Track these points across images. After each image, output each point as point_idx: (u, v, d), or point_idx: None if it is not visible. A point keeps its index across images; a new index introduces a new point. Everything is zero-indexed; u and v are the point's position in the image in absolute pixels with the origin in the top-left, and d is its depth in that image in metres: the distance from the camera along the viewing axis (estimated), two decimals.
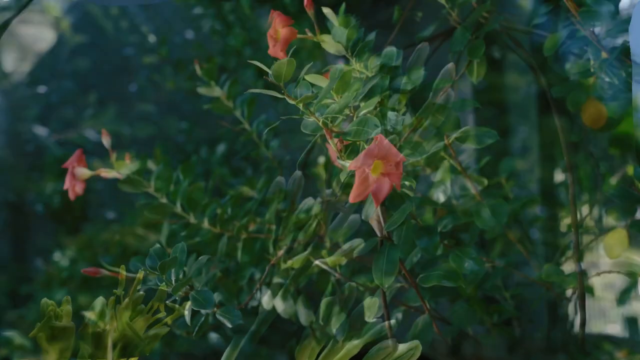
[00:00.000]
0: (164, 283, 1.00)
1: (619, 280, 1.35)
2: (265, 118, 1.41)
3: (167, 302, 1.41)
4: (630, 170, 1.72)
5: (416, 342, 0.96)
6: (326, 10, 1.05)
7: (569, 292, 1.27)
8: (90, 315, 1.36)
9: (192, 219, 1.24)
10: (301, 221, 1.21)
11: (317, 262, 1.14)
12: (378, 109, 0.96)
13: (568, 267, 1.47)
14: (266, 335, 1.97)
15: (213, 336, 1.60)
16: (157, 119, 3.22)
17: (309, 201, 1.30)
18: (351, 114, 0.96)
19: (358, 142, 0.92)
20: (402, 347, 0.96)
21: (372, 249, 0.97)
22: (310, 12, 1.04)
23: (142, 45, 2.80)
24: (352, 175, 0.91)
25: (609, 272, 1.18)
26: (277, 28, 1.04)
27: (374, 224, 0.96)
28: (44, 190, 4.31)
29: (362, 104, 0.96)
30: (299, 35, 1.05)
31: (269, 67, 0.90)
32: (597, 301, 1.44)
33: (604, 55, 1.02)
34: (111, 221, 3.34)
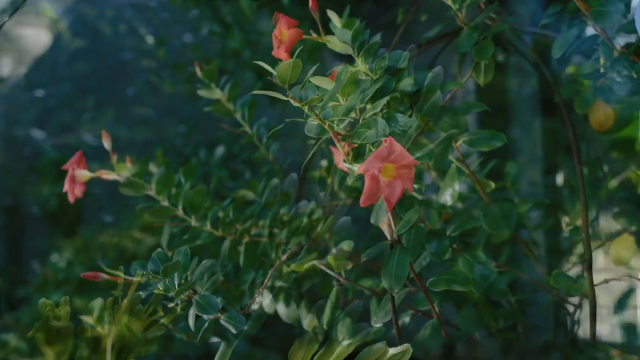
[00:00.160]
0: (163, 286, 0.98)
1: (615, 284, 1.33)
2: (265, 121, 1.40)
3: (167, 305, 1.40)
4: (632, 174, 1.71)
5: (407, 345, 0.96)
6: (330, 13, 1.03)
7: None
8: (87, 319, 1.34)
9: (193, 222, 1.22)
10: (304, 225, 1.20)
11: (321, 266, 1.12)
12: (385, 111, 0.94)
13: (571, 272, 1.46)
14: (261, 337, 1.96)
15: (215, 340, 1.58)
16: (155, 122, 3.21)
17: (310, 205, 1.29)
18: (357, 117, 0.94)
19: (365, 145, 0.91)
20: (392, 350, 0.95)
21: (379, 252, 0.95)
22: (314, 13, 1.03)
23: (139, 48, 2.78)
24: (358, 178, 0.90)
25: (619, 278, 1.16)
26: (282, 29, 1.02)
27: (384, 228, 0.95)
28: (40, 193, 4.30)
29: (368, 106, 0.94)
30: (305, 37, 1.03)
31: (267, 70, 0.88)
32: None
33: (617, 53, 1.00)
34: (107, 224, 3.32)
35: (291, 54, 1.02)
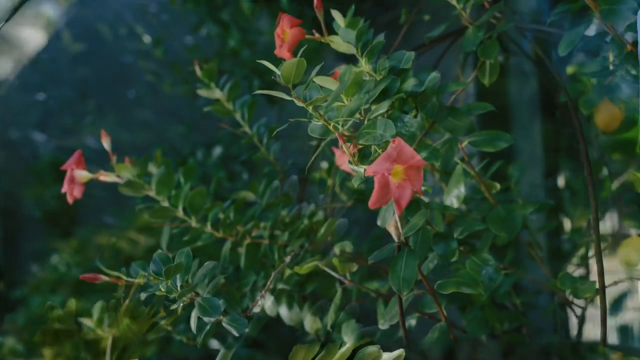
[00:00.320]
0: (165, 288, 0.96)
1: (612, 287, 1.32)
2: (266, 121, 1.38)
3: (168, 306, 1.38)
4: (632, 176, 1.70)
5: (401, 350, 0.96)
6: (334, 12, 1.02)
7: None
8: (87, 322, 1.33)
9: (194, 223, 1.21)
10: (306, 227, 1.18)
11: (325, 268, 1.11)
12: (390, 112, 0.93)
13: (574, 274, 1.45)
14: (261, 339, 1.95)
15: (213, 342, 1.57)
16: (156, 124, 3.19)
17: (310, 207, 1.27)
18: (361, 117, 0.93)
19: (370, 146, 0.89)
20: (386, 355, 0.95)
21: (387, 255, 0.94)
22: (319, 13, 1.02)
23: (138, 49, 2.77)
24: (363, 180, 0.89)
25: (629, 280, 1.15)
26: (285, 28, 1.01)
27: (391, 230, 0.93)
28: (36, 195, 4.28)
29: (372, 107, 0.93)
30: (307, 36, 1.02)
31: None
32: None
33: (629, 48, 0.99)
34: (103, 225, 3.31)
35: (294, 54, 1.01)
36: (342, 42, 0.99)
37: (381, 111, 0.90)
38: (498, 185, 1.11)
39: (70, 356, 2.51)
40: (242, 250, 1.23)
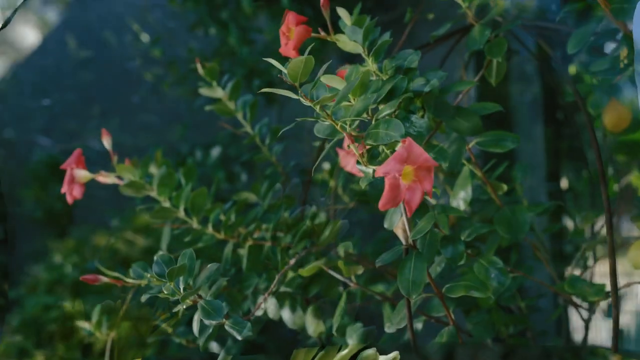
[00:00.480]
0: (168, 290, 0.94)
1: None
2: (268, 121, 1.37)
3: (170, 309, 1.36)
4: (634, 179, 1.69)
5: (396, 353, 0.95)
6: (340, 10, 1.00)
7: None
8: (85, 324, 1.31)
9: (195, 224, 1.19)
10: (309, 229, 1.17)
11: (329, 270, 1.10)
12: (397, 112, 0.91)
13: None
14: (261, 342, 1.93)
15: (212, 344, 1.55)
16: (158, 126, 3.18)
17: (312, 208, 1.26)
18: (368, 118, 0.91)
19: (378, 147, 0.88)
20: (382, 358, 0.96)
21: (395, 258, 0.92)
22: (325, 11, 1.00)
23: (136, 47, 2.75)
24: (371, 181, 0.87)
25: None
26: (291, 26, 0.99)
27: (399, 232, 0.92)
28: (33, 195, 4.26)
29: (380, 107, 0.92)
30: (313, 35, 1.00)
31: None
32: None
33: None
34: (99, 225, 3.29)
35: (299, 52, 1.00)
36: (348, 40, 0.97)
37: (389, 111, 0.88)
38: (505, 187, 1.09)
39: (64, 358, 2.50)
40: (243, 252, 1.22)
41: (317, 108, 0.86)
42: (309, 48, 0.88)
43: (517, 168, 1.26)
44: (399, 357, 0.97)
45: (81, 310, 2.50)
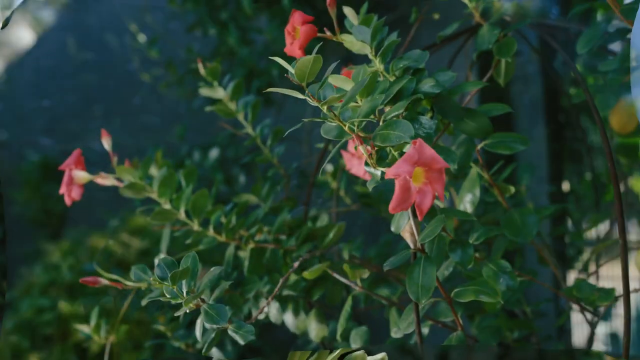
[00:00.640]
0: (171, 294, 0.92)
1: None
2: (269, 122, 1.35)
3: (169, 312, 1.34)
4: (634, 183, 1.68)
5: (383, 353, 0.94)
6: (347, 9, 0.99)
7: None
8: (83, 328, 1.29)
9: (195, 227, 1.17)
10: (314, 232, 1.15)
11: (334, 274, 1.08)
12: (405, 113, 0.89)
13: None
14: (258, 344, 1.91)
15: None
16: (161, 129, 3.16)
17: (313, 211, 1.24)
18: (376, 119, 0.89)
19: (386, 148, 0.86)
20: (370, 358, 0.94)
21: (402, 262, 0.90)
22: (332, 10, 0.98)
23: (134, 47, 2.73)
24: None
25: None
26: (296, 25, 0.97)
27: (406, 236, 0.90)
28: (25, 196, 4.23)
29: (387, 108, 0.90)
30: (319, 34, 0.98)
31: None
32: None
33: None
34: (95, 227, 3.27)
35: (305, 51, 0.98)
36: (355, 40, 0.95)
37: (397, 112, 0.86)
38: (512, 189, 1.08)
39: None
40: (243, 254, 1.20)
41: (325, 109, 0.84)
42: (316, 47, 0.86)
43: (522, 170, 1.24)
44: (386, 357, 0.95)
45: (77, 312, 2.47)
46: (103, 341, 1.27)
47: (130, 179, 1.13)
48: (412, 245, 0.90)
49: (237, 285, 1.18)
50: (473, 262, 0.91)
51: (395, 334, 0.99)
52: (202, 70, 1.27)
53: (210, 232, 1.17)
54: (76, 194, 1.17)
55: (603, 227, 1.56)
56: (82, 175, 1.16)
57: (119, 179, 1.16)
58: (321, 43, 0.92)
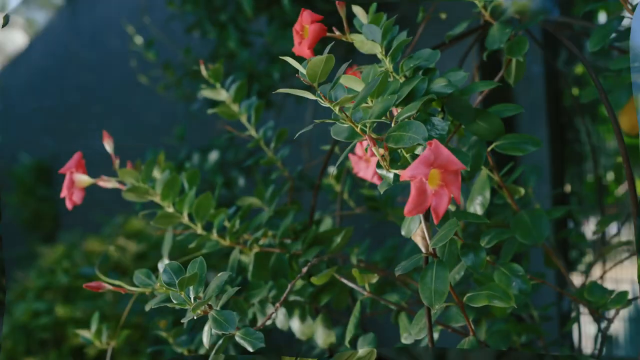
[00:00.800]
0: (178, 300, 0.90)
1: None
2: (273, 124, 1.32)
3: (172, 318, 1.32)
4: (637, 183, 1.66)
5: (371, 348, 0.94)
6: (356, 8, 0.97)
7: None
8: (85, 333, 1.27)
9: (199, 230, 1.15)
10: (320, 236, 1.13)
11: (342, 279, 1.06)
12: (417, 113, 0.87)
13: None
14: (258, 350, 1.89)
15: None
16: (156, 130, 3.15)
17: (321, 215, 1.22)
18: (387, 120, 0.87)
19: (398, 150, 0.84)
20: (360, 352, 0.96)
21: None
22: (341, 10, 0.96)
23: (131, 50, 2.72)
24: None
25: None
26: (305, 24, 0.95)
27: (418, 240, 0.88)
28: (17, 199, 4.21)
29: (399, 109, 0.88)
30: (328, 34, 0.97)
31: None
32: None
33: None
34: (89, 230, 3.24)
35: (314, 52, 0.96)
36: (365, 40, 0.93)
37: (409, 113, 0.84)
38: (522, 191, 1.06)
39: None
40: (246, 259, 1.18)
41: (337, 109, 0.82)
42: (328, 47, 0.84)
43: (529, 171, 1.22)
44: (375, 353, 0.95)
45: (73, 316, 2.45)
46: (104, 346, 1.25)
47: (133, 182, 1.11)
48: (423, 250, 0.88)
49: (240, 290, 1.16)
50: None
51: (406, 339, 0.97)
52: (204, 72, 1.25)
53: (214, 236, 1.15)
54: (77, 197, 1.15)
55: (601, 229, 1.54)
56: (83, 179, 1.14)
57: (122, 182, 1.14)
58: (333, 43, 0.90)
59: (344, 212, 1.34)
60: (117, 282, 1.04)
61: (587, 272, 1.59)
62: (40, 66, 4.33)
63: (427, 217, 0.86)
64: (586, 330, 1.33)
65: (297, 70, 0.83)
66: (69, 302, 2.51)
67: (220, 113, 1.28)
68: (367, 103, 0.89)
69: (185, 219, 1.14)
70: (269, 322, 1.10)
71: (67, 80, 4.10)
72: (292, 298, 1.12)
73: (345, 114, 0.83)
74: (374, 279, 1.02)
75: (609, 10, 1.17)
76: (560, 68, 1.71)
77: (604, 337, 1.13)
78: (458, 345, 0.90)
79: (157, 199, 1.13)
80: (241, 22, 2.07)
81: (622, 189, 1.83)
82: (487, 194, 1.00)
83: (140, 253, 2.67)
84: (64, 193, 1.14)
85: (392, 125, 0.84)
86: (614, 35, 1.01)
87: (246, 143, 1.36)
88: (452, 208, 0.99)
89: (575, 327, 1.37)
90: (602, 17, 1.79)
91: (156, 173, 1.21)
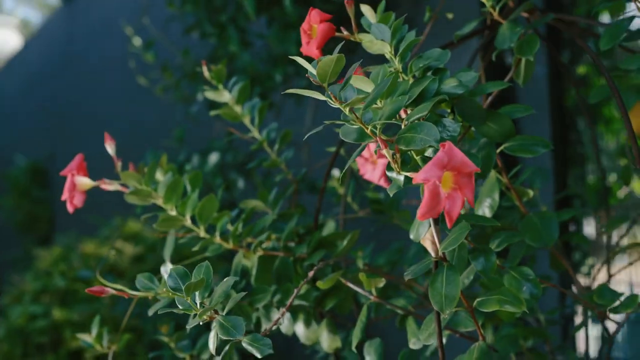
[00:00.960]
0: (184, 305, 0.88)
1: None
2: (276, 126, 1.31)
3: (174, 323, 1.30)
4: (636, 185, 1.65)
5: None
6: (364, 7, 0.95)
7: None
8: (86, 337, 1.26)
9: (202, 233, 1.13)
10: (325, 239, 1.11)
11: (348, 283, 1.04)
12: (428, 115, 0.86)
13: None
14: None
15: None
16: (154, 132, 3.13)
17: (324, 219, 1.21)
18: (397, 121, 0.86)
19: (409, 152, 0.83)
20: None
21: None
22: (349, 9, 0.95)
23: (129, 51, 2.70)
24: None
25: None
26: (313, 23, 0.93)
27: (427, 244, 0.86)
28: (12, 202, 4.19)
29: (409, 110, 0.86)
30: (337, 34, 0.95)
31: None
32: None
33: None
34: (85, 233, 3.22)
35: (322, 51, 0.94)
36: (374, 39, 0.92)
37: (421, 114, 0.83)
38: (531, 193, 1.05)
39: None
40: (248, 263, 1.16)
41: (347, 110, 0.81)
42: (338, 46, 0.82)
43: (534, 174, 1.21)
44: None
45: (70, 319, 2.43)
46: (105, 351, 1.23)
47: (136, 184, 1.10)
48: (433, 254, 0.86)
49: (245, 295, 1.14)
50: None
51: (414, 344, 0.96)
52: (206, 73, 1.23)
53: (217, 239, 1.13)
54: (78, 200, 1.13)
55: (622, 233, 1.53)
56: (85, 181, 1.12)
57: (124, 185, 1.12)
58: (343, 42, 0.88)
59: (348, 215, 1.32)
60: (119, 287, 1.02)
61: (589, 274, 1.58)
62: (35, 68, 4.32)
63: (437, 220, 0.85)
64: (588, 333, 1.31)
65: (298, 72, 0.81)
66: (65, 305, 2.49)
67: (223, 115, 1.26)
68: (376, 104, 0.87)
69: (188, 222, 1.12)
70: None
71: (63, 82, 4.08)
72: (296, 302, 1.10)
73: (356, 115, 0.81)
74: (381, 283, 1.01)
75: (612, 11, 1.15)
76: (567, 67, 1.69)
77: (611, 342, 1.11)
78: (467, 351, 0.89)
79: (159, 202, 1.11)
80: (241, 22, 2.05)
81: (624, 191, 1.82)
82: (496, 196, 0.99)
83: (138, 255, 2.65)
84: (65, 196, 1.12)
85: (402, 126, 0.83)
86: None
87: (245, 145, 1.34)
88: (462, 211, 0.97)
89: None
90: (603, 17, 1.78)
91: (158, 175, 1.19)
